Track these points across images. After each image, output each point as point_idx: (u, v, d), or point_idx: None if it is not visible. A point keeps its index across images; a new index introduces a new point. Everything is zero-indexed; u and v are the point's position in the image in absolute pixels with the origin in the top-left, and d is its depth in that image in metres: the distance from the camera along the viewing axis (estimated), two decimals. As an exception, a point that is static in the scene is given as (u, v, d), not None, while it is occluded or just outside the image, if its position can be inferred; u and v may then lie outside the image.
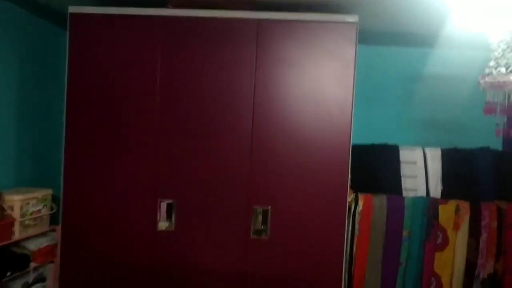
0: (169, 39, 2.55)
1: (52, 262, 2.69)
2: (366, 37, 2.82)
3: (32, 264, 2.49)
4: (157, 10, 2.55)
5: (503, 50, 1.85)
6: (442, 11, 2.28)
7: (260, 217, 2.54)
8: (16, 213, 2.38)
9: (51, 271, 2.71)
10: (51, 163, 3.13)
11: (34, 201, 2.52)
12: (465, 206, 2.73)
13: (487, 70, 1.92)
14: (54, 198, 2.76)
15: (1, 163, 2.64)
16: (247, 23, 2.51)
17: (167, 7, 2.57)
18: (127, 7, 2.56)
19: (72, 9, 2.58)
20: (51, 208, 2.69)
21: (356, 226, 2.73)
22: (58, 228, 2.69)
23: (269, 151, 2.53)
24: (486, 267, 2.70)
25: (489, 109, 1.96)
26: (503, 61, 1.86)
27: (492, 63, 1.91)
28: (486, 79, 1.92)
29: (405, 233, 2.74)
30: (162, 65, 2.55)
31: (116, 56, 2.58)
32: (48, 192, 2.68)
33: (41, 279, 2.64)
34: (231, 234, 2.56)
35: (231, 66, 2.53)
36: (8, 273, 2.33)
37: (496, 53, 1.87)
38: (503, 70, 1.86)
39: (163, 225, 2.53)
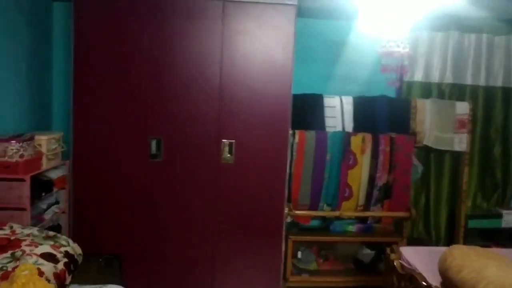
0: (154, 13, 3.28)
1: (63, 188, 3.43)
2: (302, 12, 3.73)
3: (54, 189, 3.24)
4: (145, -10, 3.29)
5: (392, 32, 2.89)
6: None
7: (227, 148, 3.45)
8: (44, 149, 3.10)
9: (63, 195, 3.45)
10: (46, 112, 3.81)
11: (53, 141, 3.24)
12: (368, 137, 3.80)
13: (382, 43, 2.96)
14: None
15: (17, 111, 3.30)
16: (215, 3, 3.32)
17: (152, -11, 3.31)
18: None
19: (74, -13, 3.24)
20: (62, 147, 3.41)
21: (294, 153, 3.73)
22: (67, 162, 3.43)
23: (232, 99, 3.40)
24: (382, 179, 3.83)
25: (384, 69, 3.01)
26: (393, 39, 2.90)
27: (386, 39, 2.94)
28: (382, 49, 2.96)
29: (327, 157, 3.77)
30: (149, 31, 3.30)
31: (113, 26, 3.28)
32: (60, 134, 3.39)
33: (56, 202, 3.38)
34: (206, 161, 3.44)
35: (204, 35, 3.34)
36: (43, 194, 3.08)
37: (388, 34, 2.90)
38: (392, 44, 2.90)
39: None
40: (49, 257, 2.23)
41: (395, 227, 4.18)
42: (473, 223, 4.28)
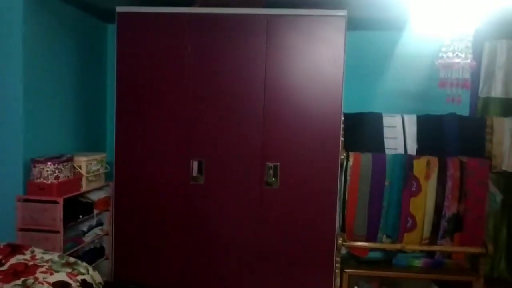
0: (196, 31, 3.18)
1: (107, 210, 3.38)
2: (354, 24, 3.42)
3: (95, 211, 3.20)
4: (187, 8, 3.18)
5: (451, 41, 2.50)
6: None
7: (271, 171, 3.21)
8: (83, 171, 3.07)
9: (106, 217, 3.41)
10: (99, 133, 3.83)
11: (95, 162, 3.21)
12: (434, 160, 3.38)
13: (440, 54, 2.58)
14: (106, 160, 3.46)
15: (65, 133, 3.33)
16: (259, 18, 3.14)
17: (194, 6, 3.20)
18: (163, 7, 3.18)
19: (119, 8, 3.20)
20: (106, 168, 3.37)
21: (348, 178, 3.40)
22: (111, 183, 3.38)
23: (277, 119, 3.18)
24: (451, 208, 3.37)
25: (442, 84, 2.62)
26: (451, 48, 2.51)
27: (444, 49, 2.56)
28: (440, 61, 2.57)
29: (386, 183, 3.38)
30: (191, 52, 3.20)
31: (155, 45, 3.22)
32: (103, 155, 3.36)
33: (99, 223, 3.34)
34: (248, 185, 3.23)
35: (247, 51, 3.17)
36: (80, 216, 3.04)
37: (446, 43, 2.52)
38: (450, 54, 2.51)
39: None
40: (62, 286, 2.13)
41: (470, 263, 3.64)
42: None
